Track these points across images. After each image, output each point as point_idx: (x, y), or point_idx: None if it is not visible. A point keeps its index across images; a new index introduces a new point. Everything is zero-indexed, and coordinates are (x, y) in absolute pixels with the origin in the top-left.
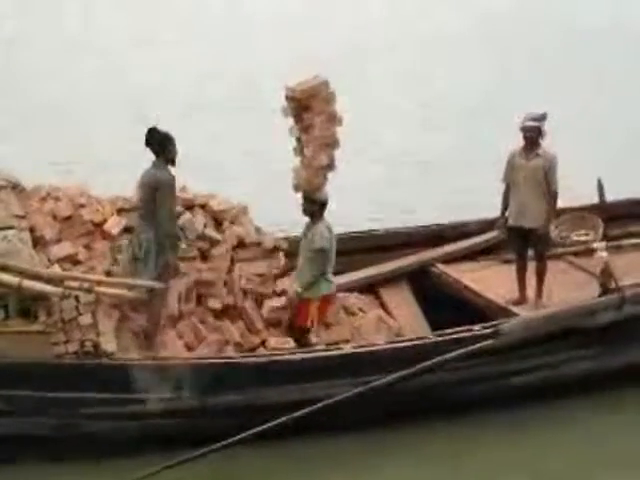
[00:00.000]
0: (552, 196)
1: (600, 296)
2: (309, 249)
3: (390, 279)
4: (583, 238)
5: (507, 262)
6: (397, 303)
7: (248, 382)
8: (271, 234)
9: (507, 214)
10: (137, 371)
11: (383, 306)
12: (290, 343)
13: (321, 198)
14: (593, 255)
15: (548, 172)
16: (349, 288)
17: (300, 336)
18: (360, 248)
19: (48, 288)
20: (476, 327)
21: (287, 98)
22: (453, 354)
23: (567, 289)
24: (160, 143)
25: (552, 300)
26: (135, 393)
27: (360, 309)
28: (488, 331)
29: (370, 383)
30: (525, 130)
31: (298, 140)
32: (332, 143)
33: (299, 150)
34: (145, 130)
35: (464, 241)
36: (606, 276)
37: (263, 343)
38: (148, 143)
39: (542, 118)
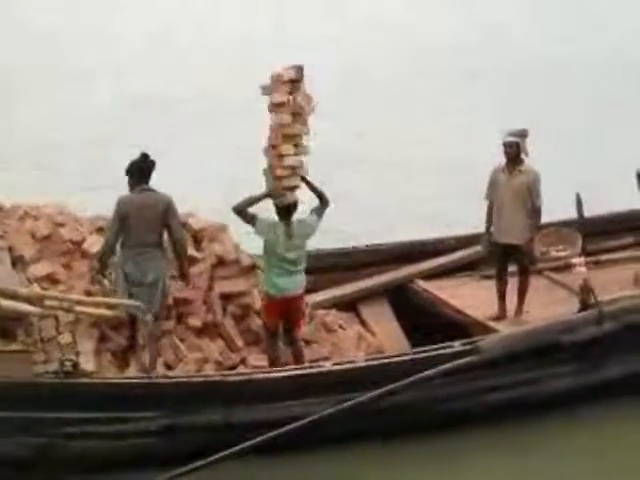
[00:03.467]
0: (535, 211)
1: (579, 312)
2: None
3: (370, 296)
4: (562, 254)
5: (486, 278)
6: (377, 320)
7: (228, 400)
8: (249, 252)
9: (492, 230)
10: (118, 390)
11: (363, 323)
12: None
13: (290, 200)
14: (572, 270)
15: (531, 188)
16: (328, 305)
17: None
18: (340, 264)
19: (28, 307)
20: (456, 344)
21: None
22: (433, 371)
23: (546, 305)
24: (151, 168)
25: (531, 316)
26: (117, 412)
27: (340, 326)
28: (468, 347)
29: (350, 401)
30: (505, 146)
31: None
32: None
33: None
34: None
35: (443, 257)
36: (585, 292)
37: (243, 361)
38: (142, 169)
39: (522, 134)
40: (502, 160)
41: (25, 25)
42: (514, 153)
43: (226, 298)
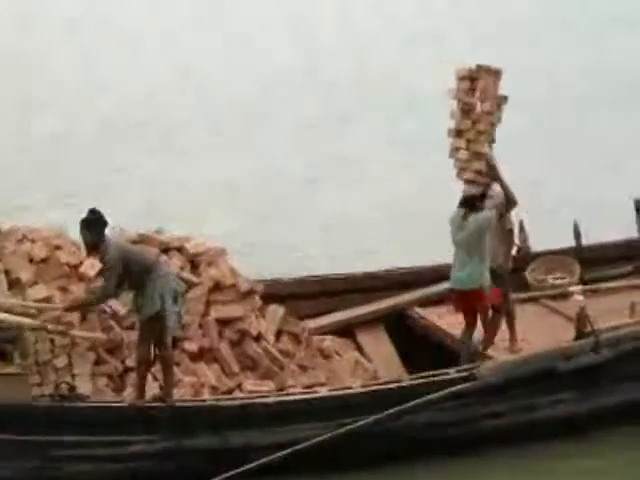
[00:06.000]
0: (506, 234)
1: (576, 340)
2: (473, 237)
3: (367, 322)
4: (559, 281)
5: None
6: (374, 346)
7: (224, 425)
8: (247, 276)
9: None
10: (115, 413)
11: (360, 349)
12: (267, 386)
13: (481, 189)
14: (569, 298)
15: (501, 212)
16: (325, 331)
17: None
18: (337, 290)
19: (26, 320)
20: (452, 370)
21: (458, 78)
22: (428, 397)
23: (543, 332)
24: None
25: (528, 343)
26: (113, 435)
27: (336, 352)
28: (464, 374)
29: (346, 426)
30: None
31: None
32: (491, 128)
33: (455, 133)
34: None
35: (441, 284)
36: (582, 320)
37: (239, 386)
38: (103, 222)
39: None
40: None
41: None
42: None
43: (223, 323)
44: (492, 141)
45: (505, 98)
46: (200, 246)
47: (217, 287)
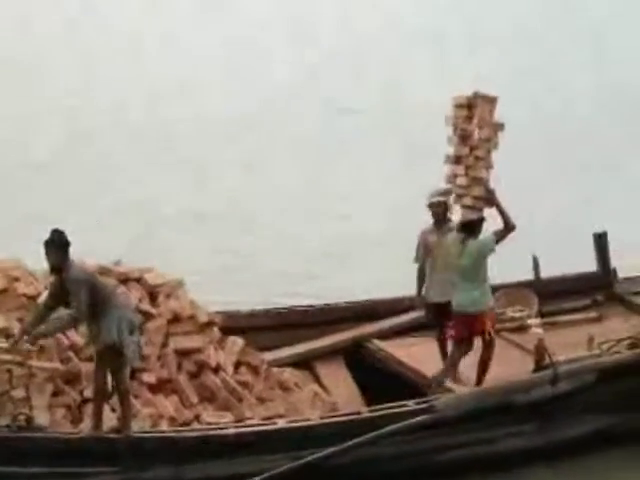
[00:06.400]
0: None
1: (534, 372)
2: (477, 262)
3: (326, 354)
4: (518, 314)
5: None
6: (332, 378)
7: (183, 457)
8: (205, 308)
9: (424, 292)
10: (72, 445)
11: (318, 381)
12: (226, 418)
13: (479, 214)
14: (528, 331)
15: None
16: (284, 363)
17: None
18: (295, 323)
19: None
20: (410, 402)
21: (455, 106)
22: (387, 429)
23: (502, 365)
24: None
25: (487, 376)
26: (70, 467)
27: (295, 384)
28: (422, 406)
29: (304, 458)
30: (432, 206)
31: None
32: (488, 155)
33: (453, 159)
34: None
35: (399, 317)
36: (540, 352)
37: (197, 417)
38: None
39: (447, 193)
40: (429, 222)
41: None
42: (442, 212)
43: (181, 354)
44: (489, 166)
45: (501, 125)
46: (159, 278)
47: (176, 319)
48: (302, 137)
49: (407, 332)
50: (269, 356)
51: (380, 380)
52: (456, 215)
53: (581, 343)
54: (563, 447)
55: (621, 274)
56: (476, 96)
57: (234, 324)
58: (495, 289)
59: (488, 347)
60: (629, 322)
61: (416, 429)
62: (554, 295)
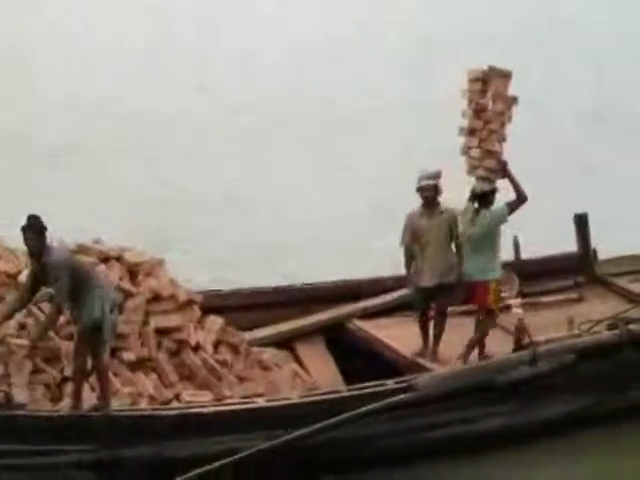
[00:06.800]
0: (459, 248)
1: (514, 352)
2: (489, 230)
3: (306, 334)
4: None
5: None
6: (313, 358)
7: (162, 435)
8: (186, 287)
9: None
10: (51, 423)
11: (299, 361)
12: (205, 396)
13: (493, 186)
14: (509, 312)
15: (453, 227)
16: (265, 343)
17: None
18: (277, 302)
19: None
20: (389, 382)
21: (470, 80)
22: (366, 408)
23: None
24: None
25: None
26: (49, 445)
27: (275, 364)
28: (401, 386)
29: (283, 436)
30: (422, 190)
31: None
32: (502, 128)
33: (467, 132)
34: None
35: (381, 297)
36: (520, 332)
37: (177, 397)
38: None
39: (437, 175)
40: (416, 204)
41: None
42: (432, 196)
43: (161, 333)
44: (503, 139)
45: (515, 99)
46: (139, 256)
47: (156, 297)
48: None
49: (389, 312)
50: (249, 336)
51: (361, 360)
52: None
53: (561, 324)
54: (542, 427)
55: (602, 256)
56: (491, 71)
57: (214, 303)
58: None
59: (481, 324)
60: (609, 303)
61: (395, 408)
62: (535, 276)
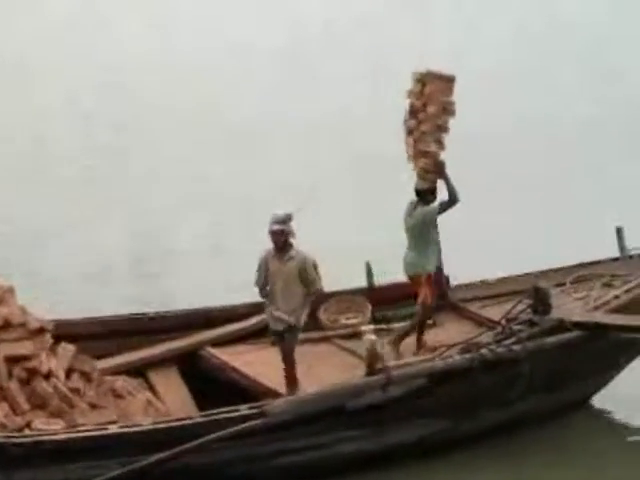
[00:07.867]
0: (314, 294)
1: (366, 377)
2: (416, 227)
3: (159, 362)
4: (351, 321)
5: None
6: (166, 386)
7: (12, 462)
8: (37, 315)
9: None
10: None
11: (152, 389)
12: (58, 424)
13: (430, 185)
14: (362, 338)
15: (303, 273)
16: (117, 371)
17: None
18: (128, 330)
19: None
20: (242, 407)
21: (413, 80)
22: (218, 434)
23: (336, 371)
24: None
25: (319, 382)
26: None
27: (128, 392)
28: (254, 411)
29: (135, 463)
30: (272, 235)
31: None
32: (442, 131)
33: (406, 132)
34: None
35: (234, 324)
36: (372, 357)
37: (28, 425)
38: None
39: (288, 219)
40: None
41: None
42: (282, 241)
43: (12, 361)
44: (440, 142)
45: (452, 104)
46: None
47: (6, 325)
48: None
49: (243, 339)
50: (102, 364)
51: (216, 388)
52: None
53: (414, 348)
54: (395, 451)
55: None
56: (428, 74)
57: (66, 331)
58: (328, 296)
59: (415, 316)
60: (461, 328)
61: (247, 434)
62: (387, 301)
